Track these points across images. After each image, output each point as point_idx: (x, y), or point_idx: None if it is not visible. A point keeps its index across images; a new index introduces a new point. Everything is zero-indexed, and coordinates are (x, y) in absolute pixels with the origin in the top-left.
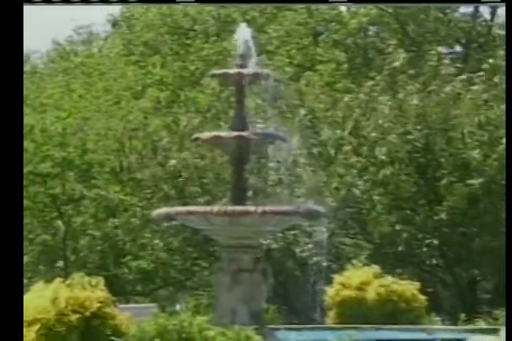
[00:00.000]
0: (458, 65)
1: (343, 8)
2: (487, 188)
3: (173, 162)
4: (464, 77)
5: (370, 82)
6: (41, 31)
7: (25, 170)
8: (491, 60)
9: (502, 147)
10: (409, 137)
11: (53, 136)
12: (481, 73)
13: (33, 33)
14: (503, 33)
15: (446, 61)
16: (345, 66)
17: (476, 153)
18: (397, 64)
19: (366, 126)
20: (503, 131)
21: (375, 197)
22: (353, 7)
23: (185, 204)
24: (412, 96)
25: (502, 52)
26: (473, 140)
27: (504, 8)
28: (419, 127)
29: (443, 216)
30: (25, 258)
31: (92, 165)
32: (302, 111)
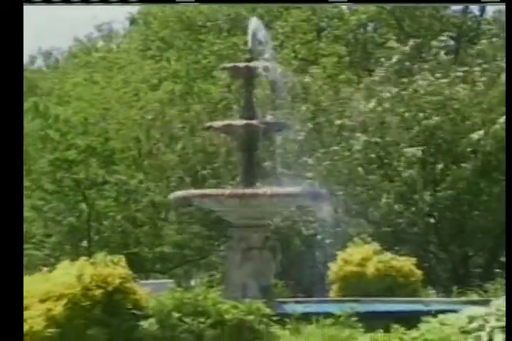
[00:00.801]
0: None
1: (344, 6)
2: (481, 170)
3: (180, 145)
4: (461, 71)
5: (380, 71)
6: (62, 29)
7: (51, 157)
8: (480, 46)
9: (496, 128)
10: (411, 121)
11: (77, 126)
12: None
13: (54, 31)
14: (491, 27)
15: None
16: (346, 59)
17: (475, 134)
18: (407, 48)
19: (367, 111)
20: (495, 113)
21: (376, 179)
22: (353, 6)
23: (198, 187)
24: (415, 83)
25: (489, 43)
26: (472, 122)
27: (489, 6)
28: (421, 111)
29: (439, 197)
30: (53, 239)
31: (113, 152)
32: (308, 101)
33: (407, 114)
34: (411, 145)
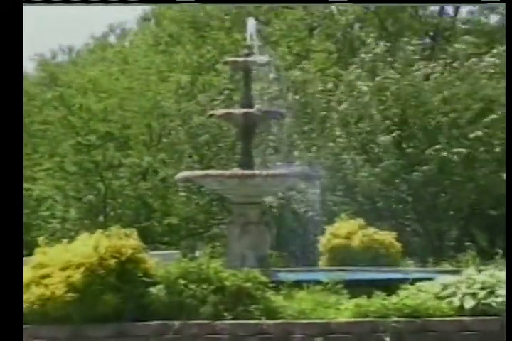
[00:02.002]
0: (426, 53)
1: (334, 7)
2: (450, 157)
3: (196, 121)
4: (433, 66)
5: (358, 67)
6: (79, 28)
7: (73, 141)
8: (453, 48)
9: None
10: (388, 112)
11: (97, 114)
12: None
13: (72, 30)
14: (464, 26)
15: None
16: (335, 55)
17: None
18: (378, 51)
19: (349, 103)
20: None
21: (359, 163)
22: (348, 7)
23: (203, 168)
24: (390, 78)
25: (460, 44)
26: (439, 112)
27: (463, 7)
28: (396, 103)
29: (416, 178)
30: (73, 214)
31: (128, 138)
32: (298, 93)
33: (381, 107)
34: (387, 133)
